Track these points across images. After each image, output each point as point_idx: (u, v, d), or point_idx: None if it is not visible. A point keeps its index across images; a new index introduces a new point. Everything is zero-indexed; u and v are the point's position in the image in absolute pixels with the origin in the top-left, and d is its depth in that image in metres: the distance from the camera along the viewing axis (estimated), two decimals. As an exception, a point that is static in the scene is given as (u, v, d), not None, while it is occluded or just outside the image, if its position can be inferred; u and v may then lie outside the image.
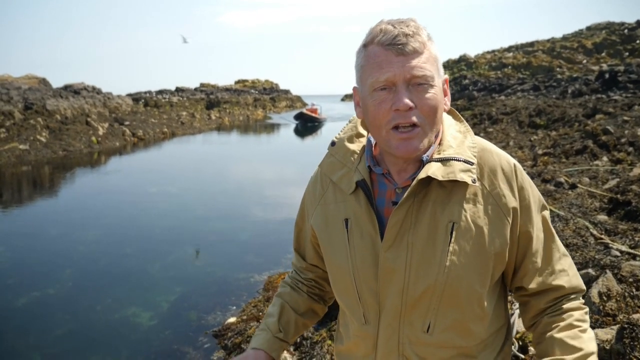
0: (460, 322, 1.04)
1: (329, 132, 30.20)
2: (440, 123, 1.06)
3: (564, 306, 1.08)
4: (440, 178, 1.01)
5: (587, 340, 1.03)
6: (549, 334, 1.06)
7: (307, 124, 35.95)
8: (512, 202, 1.03)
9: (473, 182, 1.02)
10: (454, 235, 1.00)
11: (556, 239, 1.11)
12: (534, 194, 1.09)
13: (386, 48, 0.98)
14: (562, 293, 1.09)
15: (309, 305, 1.33)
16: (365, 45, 1.03)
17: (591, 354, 1.00)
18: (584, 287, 1.12)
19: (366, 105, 1.04)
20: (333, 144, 1.19)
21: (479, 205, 1.02)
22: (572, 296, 1.09)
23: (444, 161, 1.03)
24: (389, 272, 1.04)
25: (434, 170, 1.01)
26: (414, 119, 0.99)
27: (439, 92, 1.01)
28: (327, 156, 1.20)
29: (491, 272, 1.04)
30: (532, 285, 1.09)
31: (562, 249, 1.11)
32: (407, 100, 0.97)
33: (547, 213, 1.11)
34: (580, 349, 1.00)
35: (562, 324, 1.05)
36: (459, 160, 1.03)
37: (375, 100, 1.01)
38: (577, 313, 1.06)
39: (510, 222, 1.03)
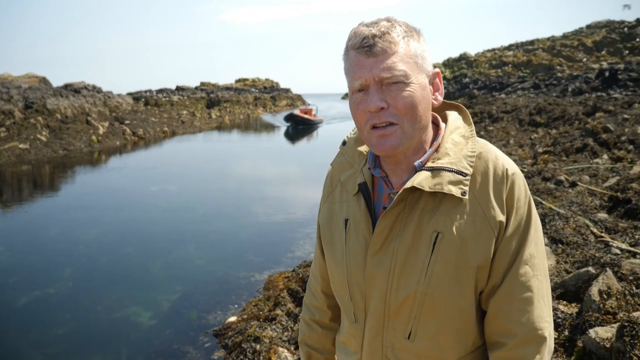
0: (442, 333, 1.03)
1: (325, 136, 27.85)
2: (426, 118, 1.03)
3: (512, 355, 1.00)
4: (427, 189, 0.99)
5: None
6: None
7: (299, 127, 32.01)
8: (500, 214, 0.99)
9: (462, 195, 0.98)
10: (436, 246, 0.99)
11: (530, 269, 1.00)
12: (521, 210, 1.01)
13: (357, 51, 0.99)
14: (510, 333, 1.00)
15: (333, 336, 1.35)
16: (346, 49, 1.04)
17: None
18: (545, 335, 1.00)
19: (350, 106, 1.06)
20: (344, 143, 1.21)
21: (467, 217, 0.99)
22: (523, 349, 0.99)
23: (434, 170, 1.01)
24: (373, 277, 1.05)
25: (420, 180, 0.99)
26: (389, 118, 0.98)
27: (417, 88, 0.99)
28: (338, 155, 1.22)
29: (474, 285, 1.01)
30: (485, 308, 1.04)
31: (533, 282, 1.00)
32: (377, 102, 0.97)
33: (533, 233, 1.02)
34: None
35: None
36: (450, 171, 1.00)
37: (354, 102, 1.03)
38: None
39: (496, 234, 0.99)
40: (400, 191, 1.00)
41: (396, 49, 0.97)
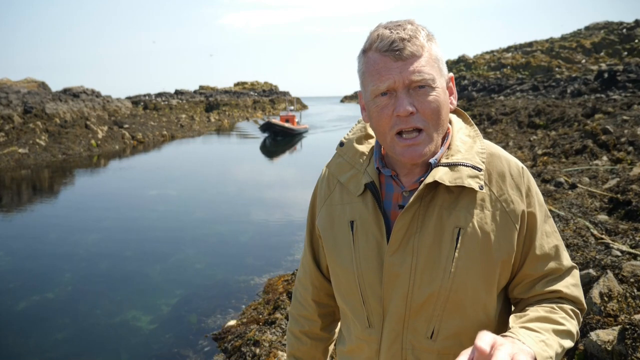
0: (465, 329, 1.02)
1: (312, 148, 23.75)
2: (446, 123, 1.04)
3: (553, 303, 1.03)
4: (447, 183, 0.99)
5: (562, 320, 0.98)
6: (526, 307, 1.03)
7: (277, 138, 27.35)
8: (520, 207, 1.02)
9: (480, 189, 1.00)
10: (459, 241, 0.99)
11: (561, 247, 1.07)
12: (539, 198, 1.07)
13: (384, 54, 0.98)
14: (558, 296, 1.04)
15: (323, 347, 1.34)
16: (364, 51, 1.03)
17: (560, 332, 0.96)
18: (584, 304, 1.06)
19: (370, 110, 1.04)
20: (342, 144, 1.18)
21: (487, 212, 1.01)
22: (565, 302, 1.04)
23: (451, 166, 1.02)
24: (393, 276, 1.03)
25: (441, 175, 1.00)
26: (417, 124, 0.98)
27: (441, 93, 1.00)
28: (335, 157, 1.18)
29: (497, 279, 1.02)
30: (530, 293, 1.05)
31: (566, 260, 1.07)
32: (407, 106, 0.96)
33: (550, 220, 1.09)
34: (554, 322, 0.97)
35: (545, 305, 1.02)
36: (466, 166, 1.02)
37: (377, 106, 1.01)
38: (563, 309, 1.01)
39: (518, 228, 1.02)
40: (421, 186, 1.00)
41: (423, 53, 0.98)
